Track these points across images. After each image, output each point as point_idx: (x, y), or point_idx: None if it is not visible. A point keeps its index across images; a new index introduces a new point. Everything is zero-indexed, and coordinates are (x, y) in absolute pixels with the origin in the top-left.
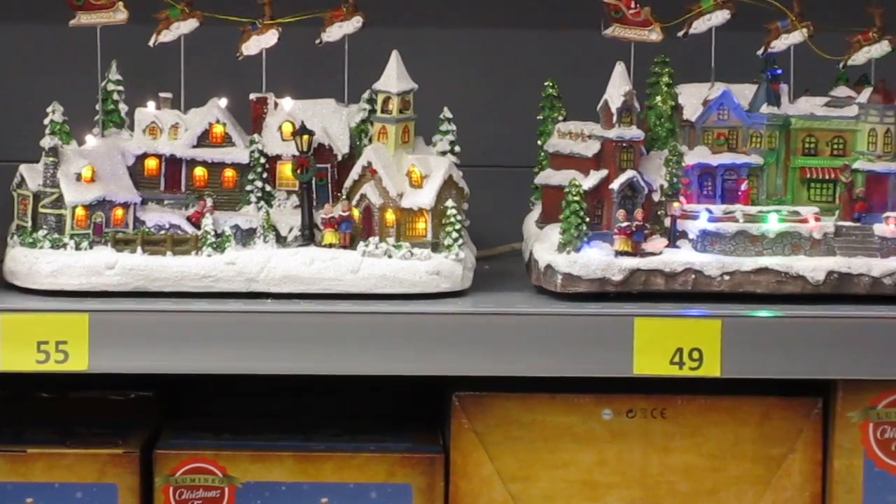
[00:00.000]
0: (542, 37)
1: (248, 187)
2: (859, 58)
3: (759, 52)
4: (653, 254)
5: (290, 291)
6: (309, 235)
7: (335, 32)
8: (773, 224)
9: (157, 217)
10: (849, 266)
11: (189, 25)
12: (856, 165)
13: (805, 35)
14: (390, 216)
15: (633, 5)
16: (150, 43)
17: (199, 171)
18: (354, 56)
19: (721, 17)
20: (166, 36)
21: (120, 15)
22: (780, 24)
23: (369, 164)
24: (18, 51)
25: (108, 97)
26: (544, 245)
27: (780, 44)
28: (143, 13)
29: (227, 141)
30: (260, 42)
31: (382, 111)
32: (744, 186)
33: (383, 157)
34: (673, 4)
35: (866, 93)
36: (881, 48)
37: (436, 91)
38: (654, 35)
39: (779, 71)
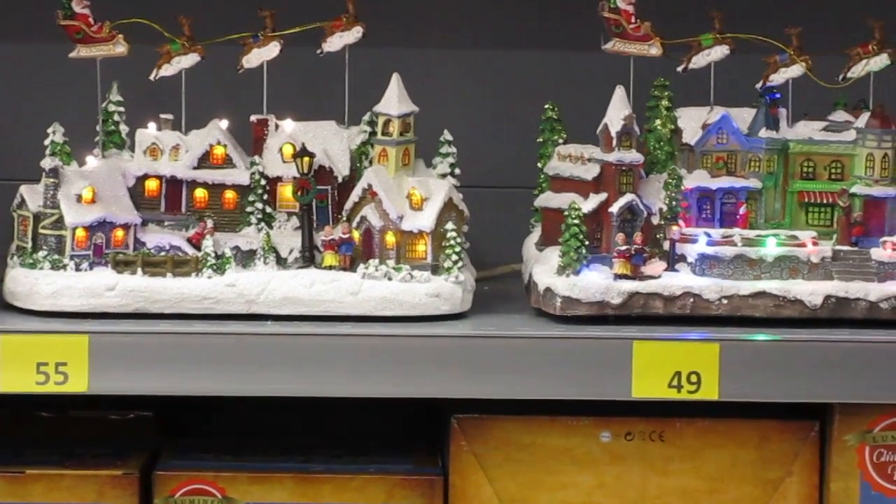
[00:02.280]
0: (543, 59)
1: (249, 209)
2: (859, 70)
3: (758, 85)
4: (652, 277)
5: (291, 313)
6: (309, 257)
7: (336, 43)
8: (771, 248)
9: (157, 238)
10: (846, 290)
11: (190, 60)
12: (853, 190)
13: (803, 69)
14: (390, 238)
15: (633, 20)
16: (151, 77)
17: (200, 193)
18: (355, 78)
19: (720, 52)
20: (167, 70)
21: (119, 48)
22: (779, 58)
23: (370, 186)
24: (19, 71)
25: (109, 118)
26: (544, 267)
27: (778, 77)
28: (145, 34)
29: (227, 162)
30: (262, 54)
31: (383, 133)
32: (742, 210)
33: (384, 179)
34: (673, 22)
35: (864, 117)
36: (880, 61)
37: (436, 112)
38: (655, 49)
39: (777, 95)
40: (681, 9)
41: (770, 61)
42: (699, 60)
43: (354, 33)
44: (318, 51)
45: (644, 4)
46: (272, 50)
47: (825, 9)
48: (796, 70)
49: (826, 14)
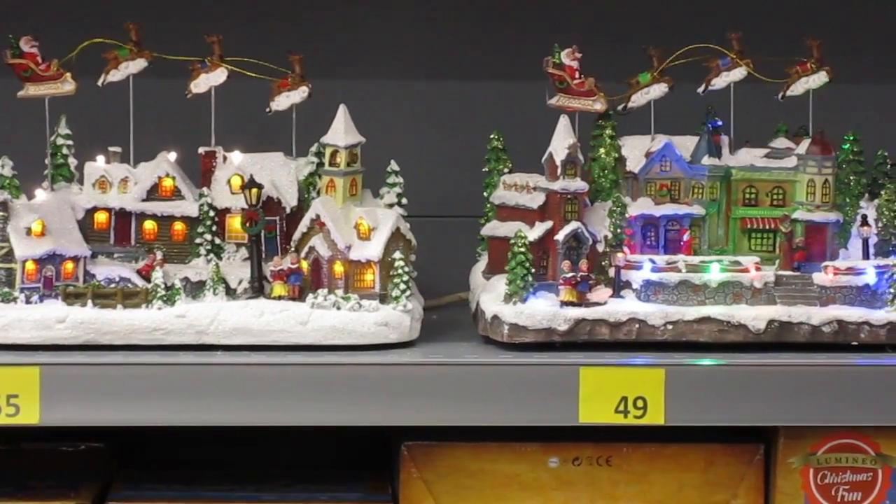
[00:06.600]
0: (488, 88)
1: (198, 240)
2: (797, 88)
3: (700, 89)
4: (597, 304)
5: (240, 343)
6: (258, 288)
7: (283, 102)
8: (714, 274)
9: (107, 270)
10: (789, 315)
11: (138, 65)
12: (795, 215)
13: (746, 71)
14: (339, 268)
15: (577, 76)
16: (99, 82)
17: (149, 225)
18: (302, 109)
19: (659, 90)
20: (115, 76)
21: (67, 86)
22: (721, 62)
23: (317, 216)
24: None
25: (58, 151)
26: (491, 295)
27: (720, 81)
28: (92, 66)
29: (176, 194)
30: (209, 80)
31: (330, 164)
32: (686, 237)
33: (331, 209)
34: (617, 69)
35: (805, 144)
36: (819, 79)
37: (383, 142)
38: (599, 105)
39: (719, 123)
40: (622, 48)
41: (712, 65)
42: (638, 99)
43: (300, 93)
44: (267, 110)
45: (584, 46)
46: (220, 76)
47: (764, 31)
48: (738, 73)
49: (765, 36)
